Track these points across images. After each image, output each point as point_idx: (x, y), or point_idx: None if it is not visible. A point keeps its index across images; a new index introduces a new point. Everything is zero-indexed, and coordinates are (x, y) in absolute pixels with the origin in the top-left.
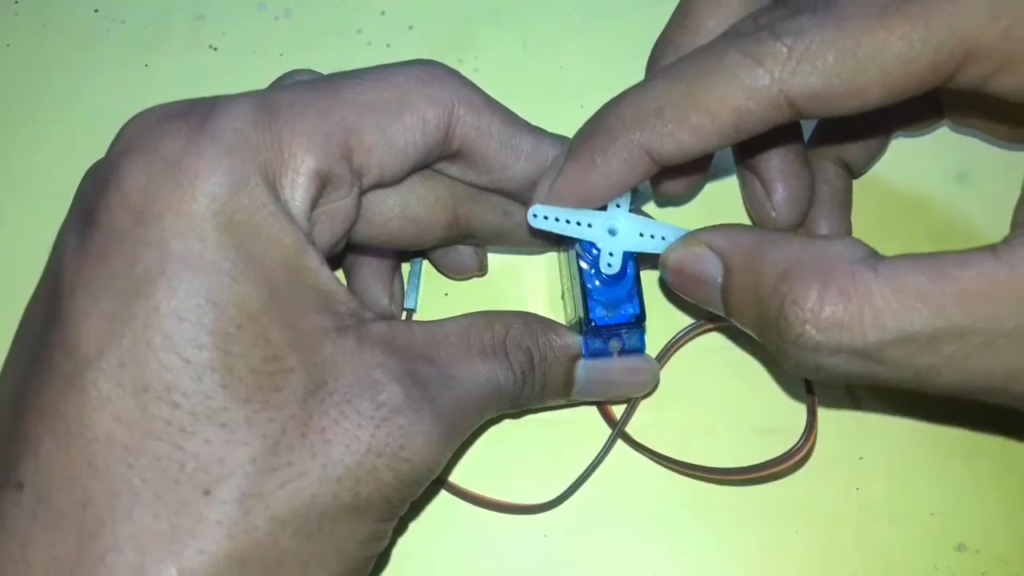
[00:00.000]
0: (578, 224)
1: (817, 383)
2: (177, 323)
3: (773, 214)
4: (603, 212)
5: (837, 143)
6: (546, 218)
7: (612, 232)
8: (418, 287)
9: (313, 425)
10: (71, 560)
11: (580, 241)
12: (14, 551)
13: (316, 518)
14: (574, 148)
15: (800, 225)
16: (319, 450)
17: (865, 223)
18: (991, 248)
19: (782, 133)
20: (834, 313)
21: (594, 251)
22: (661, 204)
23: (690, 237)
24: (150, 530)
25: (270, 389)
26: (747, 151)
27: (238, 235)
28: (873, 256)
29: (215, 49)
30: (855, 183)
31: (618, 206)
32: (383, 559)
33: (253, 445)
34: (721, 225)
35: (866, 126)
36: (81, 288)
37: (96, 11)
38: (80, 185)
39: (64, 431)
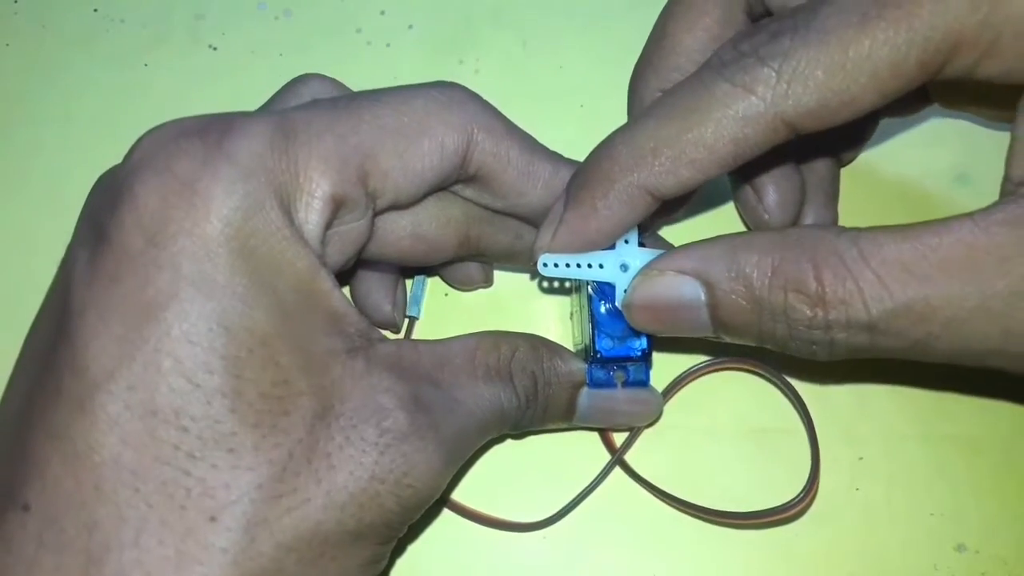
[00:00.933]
0: (588, 267)
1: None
2: (188, 347)
3: (766, 216)
4: (612, 250)
5: (826, 139)
6: (556, 265)
7: (624, 268)
8: (422, 296)
9: (319, 451)
10: None
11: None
12: (20, 574)
13: (319, 544)
14: (572, 195)
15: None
16: (324, 476)
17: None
18: (970, 215)
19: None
20: (835, 292)
21: (608, 288)
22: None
23: (649, 271)
24: (156, 556)
25: (279, 413)
26: None
27: (252, 259)
28: (850, 231)
29: (215, 49)
30: (858, 191)
31: (626, 242)
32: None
33: (260, 471)
34: (678, 248)
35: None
36: (91, 308)
37: (95, 11)
38: (91, 196)
39: (72, 453)
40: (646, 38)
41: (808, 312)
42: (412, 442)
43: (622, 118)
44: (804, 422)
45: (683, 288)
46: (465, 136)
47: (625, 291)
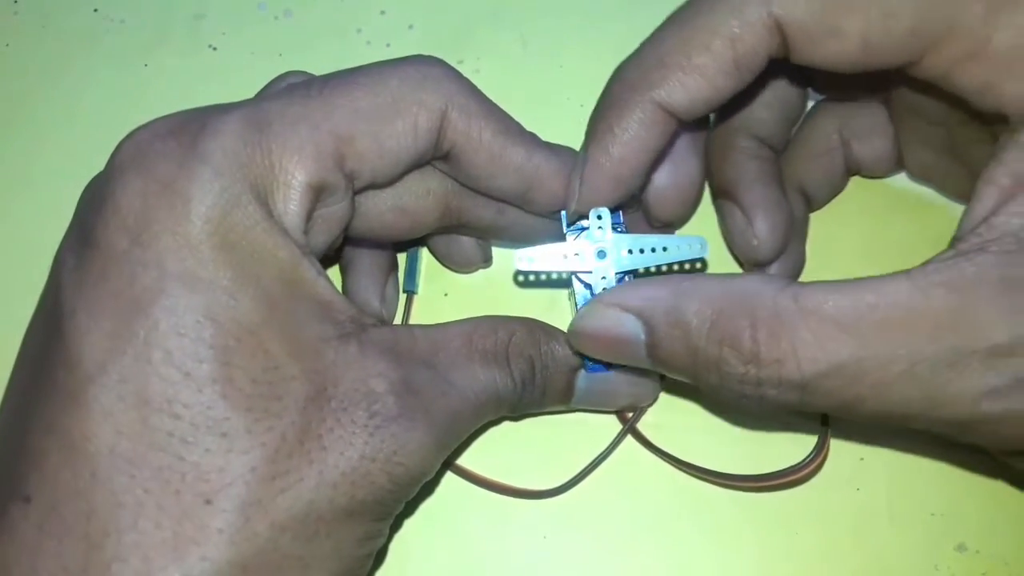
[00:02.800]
0: (565, 257)
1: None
2: (177, 339)
3: (755, 242)
4: (588, 240)
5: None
6: (532, 259)
7: (602, 255)
8: (417, 270)
9: (311, 433)
10: (78, 569)
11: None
12: (23, 561)
13: (314, 522)
14: (591, 130)
15: (781, 254)
16: (315, 456)
17: (865, 225)
18: (907, 273)
19: (764, 164)
20: (770, 351)
21: (589, 278)
22: (655, 227)
23: (596, 303)
24: (154, 539)
25: (270, 398)
26: (727, 181)
27: (234, 253)
28: (792, 286)
29: (215, 49)
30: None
31: (600, 228)
32: (381, 554)
33: (253, 454)
34: (626, 285)
35: (825, 150)
36: (81, 307)
37: (96, 11)
38: (79, 202)
39: (68, 445)
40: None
41: (741, 368)
42: (401, 423)
43: None
44: None
45: (625, 325)
46: (439, 115)
47: (604, 278)
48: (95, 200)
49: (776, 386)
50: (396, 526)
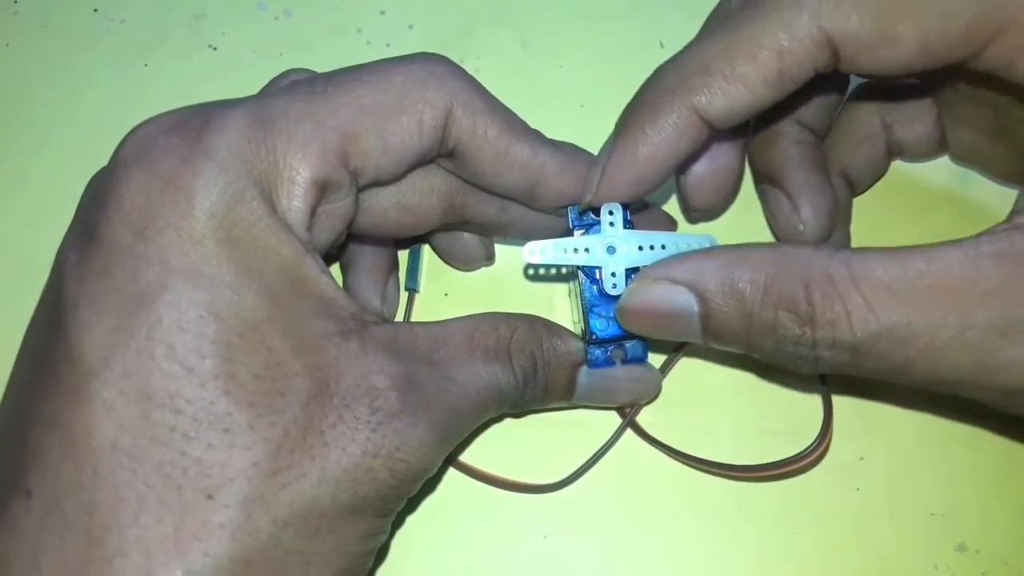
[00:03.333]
0: (575, 251)
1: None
2: (180, 334)
3: (801, 227)
4: (598, 235)
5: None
6: (542, 252)
7: (611, 251)
8: (419, 268)
9: (313, 429)
10: (79, 564)
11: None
12: (25, 556)
13: (316, 518)
14: (621, 126)
15: (827, 239)
16: (318, 452)
17: (865, 225)
18: (958, 243)
19: (807, 149)
20: (824, 313)
21: (597, 272)
22: (693, 220)
23: (643, 279)
24: (155, 534)
25: (273, 394)
26: (771, 167)
27: (237, 248)
28: (842, 252)
29: (215, 49)
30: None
31: (611, 224)
32: (382, 552)
33: (255, 449)
34: (670, 259)
35: (873, 139)
36: (84, 303)
37: (96, 11)
38: (82, 197)
39: (70, 440)
40: (646, 38)
41: (797, 331)
42: (403, 419)
43: None
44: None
45: (678, 298)
46: (444, 113)
47: (613, 274)
48: (99, 195)
49: (830, 347)
50: (398, 523)
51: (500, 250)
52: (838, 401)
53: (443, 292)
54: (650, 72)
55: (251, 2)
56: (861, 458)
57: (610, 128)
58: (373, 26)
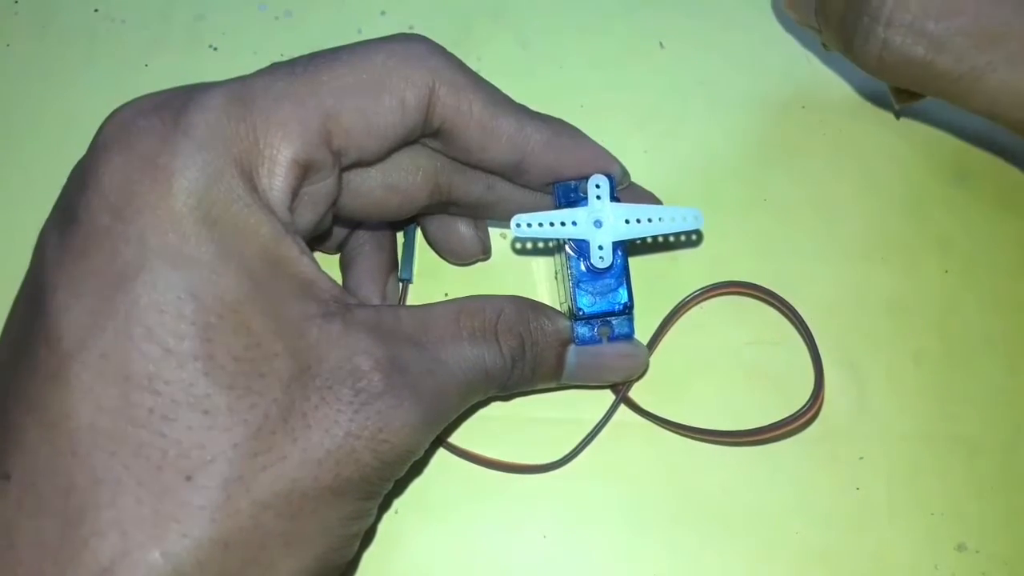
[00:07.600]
0: (562, 224)
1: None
2: (158, 315)
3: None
4: (585, 207)
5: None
6: (529, 225)
7: (598, 224)
8: (412, 257)
9: (295, 410)
10: (55, 545)
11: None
12: (1, 538)
13: (298, 500)
14: None
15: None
16: (299, 434)
17: (865, 224)
18: None
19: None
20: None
21: (584, 245)
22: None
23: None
24: (133, 515)
25: (253, 375)
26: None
27: (216, 228)
28: None
29: (215, 49)
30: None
31: (599, 198)
32: (369, 534)
33: (235, 431)
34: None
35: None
36: (63, 284)
37: (96, 11)
38: (66, 182)
39: (48, 421)
40: (646, 38)
41: (876, 2)
42: (387, 400)
43: (622, 118)
44: (801, 333)
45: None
46: (426, 90)
47: (600, 247)
48: (78, 178)
49: (907, 32)
50: (385, 507)
51: (496, 250)
52: (838, 401)
53: (443, 293)
54: (650, 72)
55: (252, 2)
56: (861, 458)
57: (609, 129)
58: (373, 26)
